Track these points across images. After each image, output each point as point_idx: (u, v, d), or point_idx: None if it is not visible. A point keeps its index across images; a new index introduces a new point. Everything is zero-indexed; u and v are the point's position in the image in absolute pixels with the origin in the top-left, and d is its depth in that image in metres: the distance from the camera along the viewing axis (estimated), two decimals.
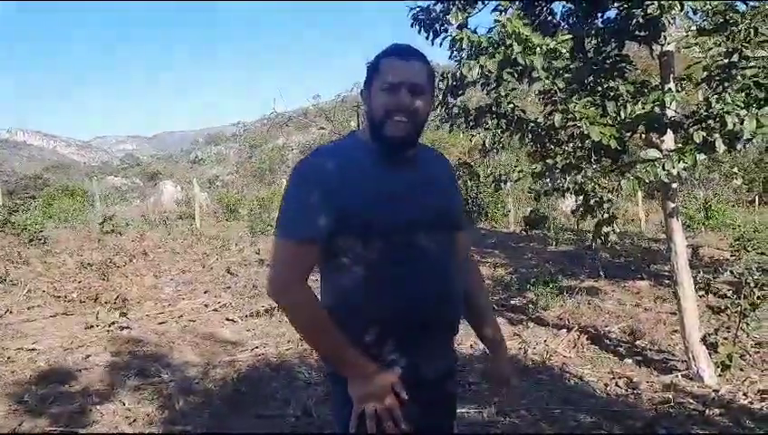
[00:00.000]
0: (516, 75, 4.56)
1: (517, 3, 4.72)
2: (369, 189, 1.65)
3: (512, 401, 2.03)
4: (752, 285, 4.72)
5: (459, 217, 1.92)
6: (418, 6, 4.93)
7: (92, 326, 5.93)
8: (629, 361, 5.18)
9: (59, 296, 7.12)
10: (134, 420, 3.85)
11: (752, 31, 4.01)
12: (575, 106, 4.24)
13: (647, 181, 4.19)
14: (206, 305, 7.08)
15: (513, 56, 3.97)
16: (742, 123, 3.77)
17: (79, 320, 6.23)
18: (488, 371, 2.02)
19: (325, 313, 1.66)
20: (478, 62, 4.13)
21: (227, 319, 6.53)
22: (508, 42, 3.94)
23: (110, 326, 5.90)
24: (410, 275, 1.67)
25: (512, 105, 5.08)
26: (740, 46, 4.00)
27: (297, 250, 1.64)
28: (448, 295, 1.76)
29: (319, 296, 1.72)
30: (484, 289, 2.09)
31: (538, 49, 3.93)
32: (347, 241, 1.64)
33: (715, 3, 4.28)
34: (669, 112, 4.29)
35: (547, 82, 4.06)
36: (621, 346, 5.58)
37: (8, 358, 4.96)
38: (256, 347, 5.47)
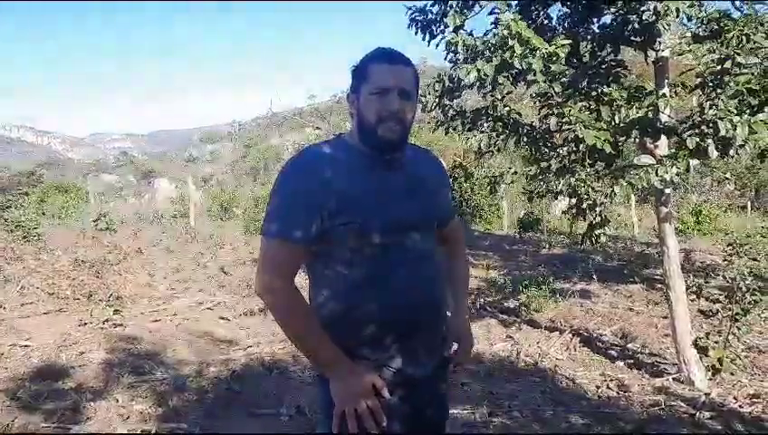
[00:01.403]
0: (512, 79, 4.60)
1: (514, 6, 4.75)
2: (358, 190, 1.67)
3: (464, 359, 2.04)
4: (744, 289, 4.75)
5: (448, 216, 1.96)
6: (415, 7, 4.95)
7: (86, 323, 5.92)
8: (621, 363, 5.21)
9: (53, 293, 7.09)
10: (128, 418, 3.86)
11: (744, 38, 4.05)
12: (570, 110, 4.28)
13: (640, 187, 4.23)
14: (200, 304, 7.07)
15: (510, 59, 3.99)
16: (734, 129, 3.81)
17: (73, 317, 6.21)
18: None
19: (311, 313, 1.68)
20: (475, 66, 4.16)
21: (221, 318, 6.53)
22: (510, 43, 3.96)
23: (104, 324, 5.89)
24: (398, 275, 1.70)
25: (507, 108, 5.11)
26: (733, 53, 4.04)
27: (285, 249, 1.65)
28: (435, 295, 1.80)
29: (306, 295, 1.74)
30: (464, 260, 2.15)
31: (537, 52, 3.96)
32: (335, 241, 1.67)
33: (710, 10, 4.33)
34: (663, 117, 4.33)
35: (543, 85, 4.09)
36: (613, 349, 5.62)
37: (2, 354, 4.95)
38: (250, 346, 5.48)
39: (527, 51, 3.97)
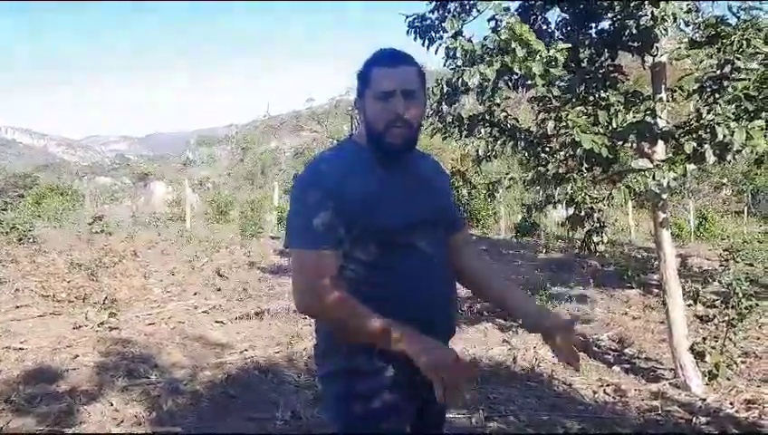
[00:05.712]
0: (512, 84, 4.59)
1: (513, 10, 4.75)
2: (371, 192, 1.67)
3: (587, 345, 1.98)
4: (740, 295, 4.75)
5: (456, 219, 1.95)
6: (414, 14, 4.95)
7: (81, 326, 5.89)
8: (618, 368, 5.20)
9: (47, 296, 7.06)
10: (122, 421, 3.83)
11: (743, 43, 4.05)
12: (568, 114, 4.28)
13: (637, 191, 4.23)
14: (195, 307, 7.05)
15: (511, 63, 3.99)
16: (732, 135, 3.81)
17: (67, 320, 6.18)
18: (549, 328, 1.92)
19: (360, 303, 1.63)
20: (478, 70, 4.16)
21: (216, 321, 6.50)
22: (512, 46, 3.96)
23: (98, 327, 5.86)
24: (410, 276, 1.69)
25: (505, 114, 5.10)
26: (732, 58, 4.04)
27: (317, 258, 1.64)
28: (446, 296, 1.80)
29: None
30: (494, 271, 2.08)
31: (538, 56, 3.96)
32: (353, 243, 1.66)
33: (707, 16, 4.34)
34: (660, 122, 4.33)
35: (542, 89, 4.09)
36: (610, 354, 5.61)
37: None
38: (245, 350, 5.45)
39: (527, 54, 3.97)
